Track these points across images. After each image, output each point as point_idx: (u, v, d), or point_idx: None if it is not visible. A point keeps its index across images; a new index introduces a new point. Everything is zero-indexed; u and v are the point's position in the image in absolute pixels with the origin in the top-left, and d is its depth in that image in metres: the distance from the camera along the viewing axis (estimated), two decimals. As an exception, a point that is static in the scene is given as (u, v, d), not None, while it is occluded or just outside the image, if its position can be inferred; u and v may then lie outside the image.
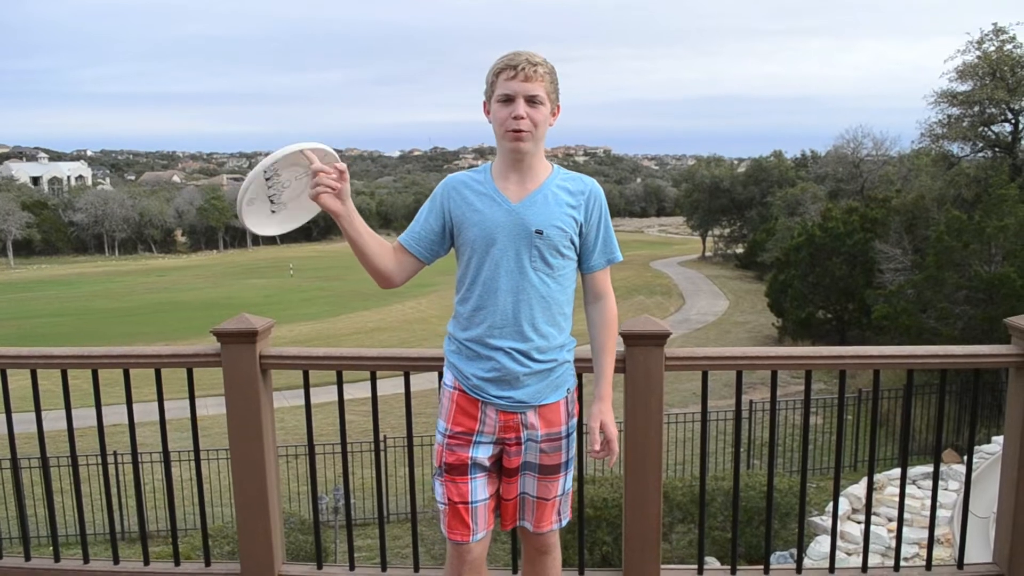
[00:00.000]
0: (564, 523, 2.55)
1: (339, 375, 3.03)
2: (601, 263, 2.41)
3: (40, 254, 76.21)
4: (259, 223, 2.34)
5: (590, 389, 2.49)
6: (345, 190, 2.23)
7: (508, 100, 2.23)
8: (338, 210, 2.23)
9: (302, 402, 3.07)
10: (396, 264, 2.38)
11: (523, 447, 2.38)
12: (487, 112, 2.32)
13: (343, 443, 3.11)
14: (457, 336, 2.40)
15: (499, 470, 2.45)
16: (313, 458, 3.15)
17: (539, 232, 2.28)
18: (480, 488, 2.37)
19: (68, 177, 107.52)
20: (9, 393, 3.10)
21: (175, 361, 3.02)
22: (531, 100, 2.23)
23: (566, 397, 2.42)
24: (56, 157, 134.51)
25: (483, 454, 2.37)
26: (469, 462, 2.36)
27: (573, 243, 2.34)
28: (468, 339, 2.35)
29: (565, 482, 2.48)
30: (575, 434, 2.49)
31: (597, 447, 2.38)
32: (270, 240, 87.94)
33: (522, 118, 2.22)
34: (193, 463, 3.19)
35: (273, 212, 2.34)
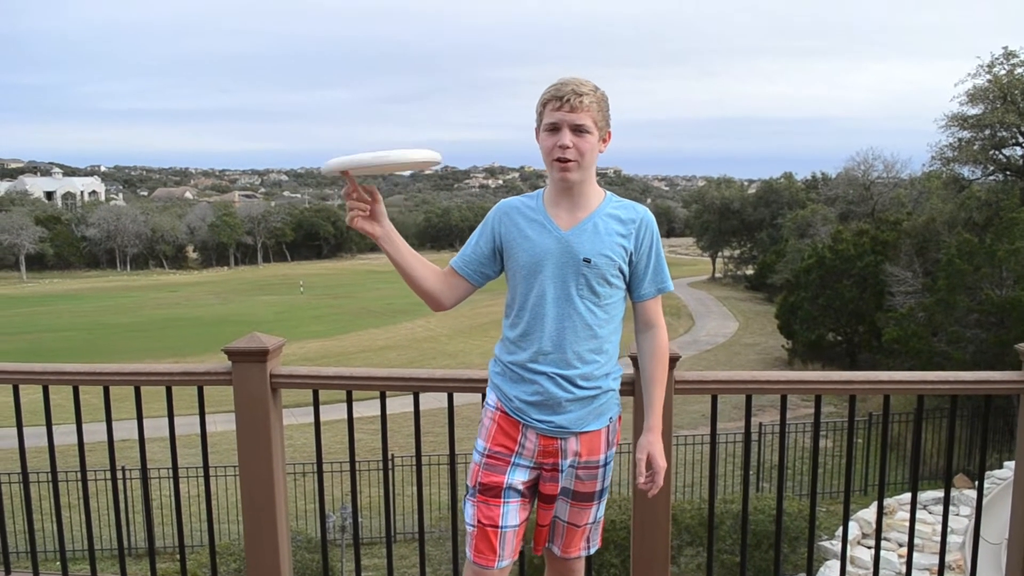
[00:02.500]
0: (592, 551, 2.54)
1: (349, 395, 3.03)
2: (651, 292, 2.39)
3: (52, 268, 76.68)
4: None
5: (627, 415, 2.48)
6: (379, 211, 2.25)
7: (554, 129, 2.24)
8: (375, 232, 2.26)
9: (311, 419, 3.07)
10: (447, 287, 2.39)
11: (560, 474, 2.37)
12: (538, 140, 2.33)
13: (352, 462, 3.11)
14: (503, 359, 2.39)
15: (534, 496, 2.43)
16: (321, 477, 3.15)
17: (587, 260, 2.27)
18: (512, 514, 2.35)
19: (81, 192, 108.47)
20: (21, 407, 3.12)
21: (186, 379, 3.03)
22: (577, 129, 2.22)
23: (608, 426, 2.41)
24: (70, 172, 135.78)
25: (519, 477, 2.35)
26: (504, 485, 2.34)
27: (622, 272, 2.33)
28: (513, 363, 2.35)
29: (598, 510, 2.47)
30: (612, 464, 2.47)
31: (642, 480, 2.37)
32: (280, 257, 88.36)
33: (568, 147, 2.22)
34: (202, 479, 3.20)
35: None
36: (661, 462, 2.36)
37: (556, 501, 2.42)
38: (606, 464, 2.42)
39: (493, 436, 2.38)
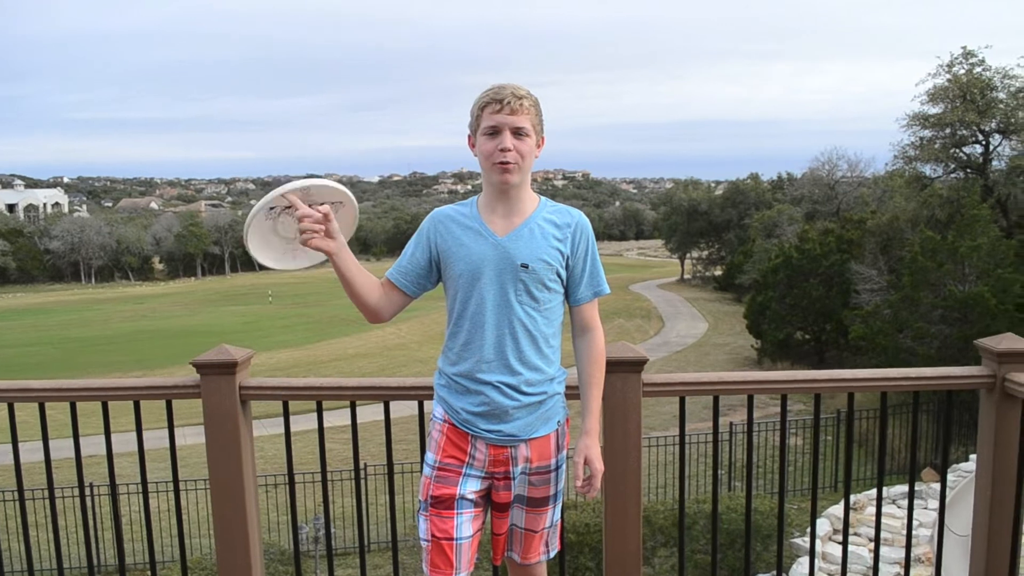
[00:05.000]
0: (552, 554, 2.55)
1: (319, 405, 3.02)
2: (588, 296, 2.41)
3: (15, 282, 75.46)
4: (269, 256, 2.37)
5: (578, 420, 2.48)
6: (333, 228, 2.23)
7: (494, 133, 2.25)
8: (331, 249, 2.24)
9: (282, 430, 3.06)
10: (384, 299, 2.38)
11: (513, 482, 2.38)
12: (472, 145, 2.33)
13: (323, 473, 3.10)
14: (446, 371, 2.39)
15: (487, 505, 2.43)
16: (293, 488, 3.14)
17: (524, 266, 2.28)
18: (465, 525, 2.34)
19: (44, 204, 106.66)
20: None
21: (154, 393, 3.01)
22: (517, 132, 2.24)
23: (557, 430, 2.42)
24: (32, 184, 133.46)
25: (471, 487, 2.35)
26: (456, 495, 2.34)
27: (559, 276, 2.34)
28: (457, 374, 2.34)
29: (554, 514, 2.48)
30: (564, 467, 2.48)
31: (580, 482, 2.37)
32: (248, 266, 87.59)
33: (509, 150, 2.23)
34: (172, 494, 3.17)
35: (287, 247, 2.36)
36: (598, 465, 2.37)
37: (511, 509, 2.43)
38: (558, 468, 2.43)
39: (443, 448, 2.37)
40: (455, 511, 2.33)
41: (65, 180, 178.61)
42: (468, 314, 2.32)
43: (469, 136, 2.34)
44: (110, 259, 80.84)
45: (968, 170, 25.50)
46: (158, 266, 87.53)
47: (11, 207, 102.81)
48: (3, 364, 34.42)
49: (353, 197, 2.35)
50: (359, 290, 2.32)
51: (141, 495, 3.14)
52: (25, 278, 76.77)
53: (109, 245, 79.75)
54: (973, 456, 9.92)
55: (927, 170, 26.44)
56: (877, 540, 3.08)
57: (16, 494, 3.15)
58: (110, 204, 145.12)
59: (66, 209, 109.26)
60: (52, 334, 45.10)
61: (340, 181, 2.41)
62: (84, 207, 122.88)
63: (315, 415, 3.03)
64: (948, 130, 24.94)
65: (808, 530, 9.44)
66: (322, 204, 2.24)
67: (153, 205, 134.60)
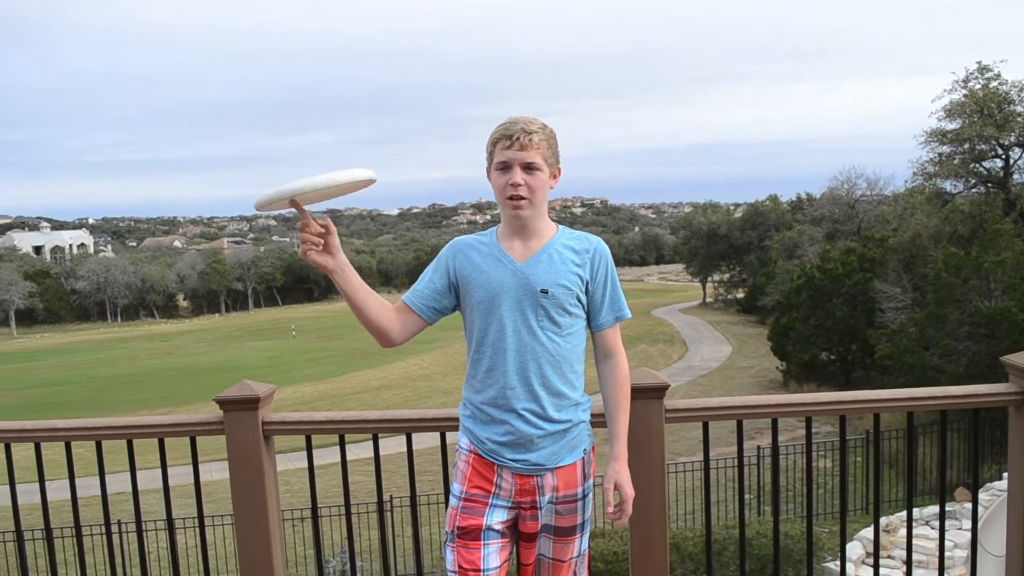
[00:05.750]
0: None
1: (342, 439, 3.03)
2: (609, 320, 2.40)
3: (43, 323, 76.38)
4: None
5: (604, 447, 2.46)
6: (333, 244, 2.22)
7: (505, 168, 2.26)
8: (328, 265, 2.22)
9: (306, 464, 3.07)
10: (397, 322, 2.36)
11: (540, 511, 2.36)
12: (489, 178, 2.35)
13: (347, 506, 3.10)
14: (472, 400, 2.38)
15: (514, 535, 2.42)
16: (317, 522, 3.14)
17: (544, 291, 2.28)
18: (492, 556, 2.32)
19: (70, 245, 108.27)
20: (13, 464, 3.11)
21: (178, 430, 3.03)
22: (527, 168, 2.25)
23: (583, 458, 2.40)
24: (58, 226, 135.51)
25: (498, 518, 2.34)
26: (483, 526, 2.32)
27: (580, 301, 2.34)
28: (482, 402, 2.34)
29: (581, 543, 2.46)
30: (591, 495, 2.46)
31: (611, 509, 2.35)
32: (272, 302, 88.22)
33: (520, 185, 2.25)
34: (198, 530, 3.18)
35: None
36: (629, 491, 2.35)
37: (538, 539, 2.41)
38: (585, 496, 2.41)
39: (469, 479, 2.36)
40: (482, 542, 2.32)
41: (90, 221, 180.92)
42: (489, 341, 2.32)
43: (487, 168, 2.36)
44: (135, 298, 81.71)
45: (989, 184, 25.28)
46: (182, 303, 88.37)
47: (38, 249, 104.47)
48: (32, 404, 34.75)
49: (360, 172, 2.19)
50: (365, 309, 2.30)
51: (167, 531, 3.16)
52: (52, 318, 77.69)
53: (134, 284, 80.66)
54: (1006, 474, 9.75)
55: (947, 186, 26.23)
56: (909, 563, 3.03)
57: (44, 532, 3.17)
58: (134, 243, 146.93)
59: (91, 250, 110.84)
60: (79, 373, 45.54)
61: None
62: (109, 247, 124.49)
63: (338, 448, 3.04)
64: (967, 145, 24.76)
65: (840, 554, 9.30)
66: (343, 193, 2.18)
67: (176, 243, 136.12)
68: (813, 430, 3.09)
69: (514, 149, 2.24)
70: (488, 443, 2.33)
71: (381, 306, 2.34)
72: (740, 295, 58.24)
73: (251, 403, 2.90)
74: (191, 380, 39.54)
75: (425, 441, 3.12)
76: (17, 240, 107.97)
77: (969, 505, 9.46)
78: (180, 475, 3.44)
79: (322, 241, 2.20)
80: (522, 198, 2.26)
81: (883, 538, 9.43)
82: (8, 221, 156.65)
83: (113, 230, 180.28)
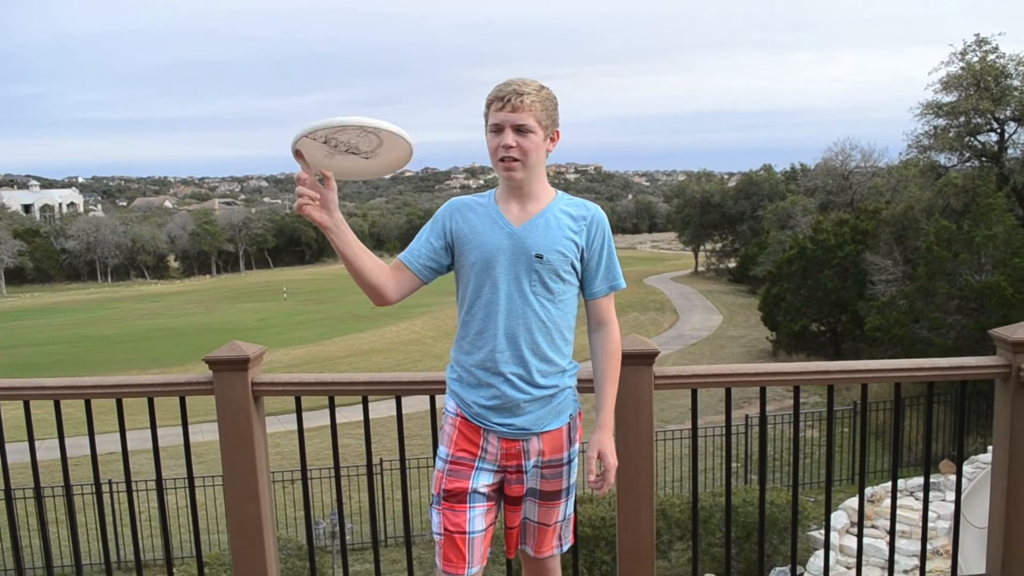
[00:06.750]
0: (565, 548, 2.55)
1: (331, 400, 3.04)
2: (603, 289, 2.40)
3: (32, 282, 76.01)
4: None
5: (591, 414, 2.47)
6: (330, 199, 2.19)
7: (498, 130, 2.24)
8: (324, 222, 2.19)
9: (296, 426, 3.07)
10: (392, 281, 2.34)
11: (525, 475, 2.38)
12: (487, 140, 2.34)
13: (336, 468, 3.11)
14: (460, 362, 2.38)
15: (500, 499, 2.43)
16: (307, 483, 3.15)
17: (539, 256, 2.27)
18: (478, 518, 2.34)
19: (60, 204, 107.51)
20: (2, 424, 3.10)
21: (168, 390, 3.03)
22: (519, 129, 2.22)
23: (568, 423, 2.41)
24: (47, 185, 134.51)
25: (484, 481, 2.35)
26: (469, 489, 2.34)
27: (574, 268, 2.33)
28: (471, 364, 2.34)
29: (566, 508, 2.48)
30: (576, 460, 2.48)
31: (592, 478, 2.36)
32: (263, 264, 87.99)
33: (511, 147, 2.23)
34: (188, 490, 3.19)
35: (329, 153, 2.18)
36: (612, 461, 2.35)
37: (524, 502, 2.43)
38: (570, 461, 2.43)
39: (455, 442, 2.37)
40: (467, 505, 2.33)
41: (80, 180, 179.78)
42: (481, 303, 2.31)
43: (485, 130, 2.34)
44: (125, 258, 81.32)
45: (983, 158, 25.27)
46: (173, 264, 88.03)
47: (27, 207, 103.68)
48: (20, 363, 34.73)
49: (404, 135, 2.14)
50: (362, 268, 2.28)
51: (157, 492, 3.17)
52: (42, 277, 77.33)
53: (124, 244, 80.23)
54: (991, 447, 9.86)
55: (942, 159, 26.22)
56: (892, 532, 3.07)
57: (34, 491, 3.18)
58: (124, 203, 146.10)
59: (81, 209, 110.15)
60: (69, 333, 45.44)
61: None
62: (99, 206, 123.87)
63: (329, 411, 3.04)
64: (962, 118, 24.71)
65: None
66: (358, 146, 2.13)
67: (167, 204, 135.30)
68: (801, 400, 3.10)
69: (506, 111, 2.22)
70: (475, 407, 2.33)
71: (376, 264, 2.32)
72: (732, 264, 58.36)
73: (240, 363, 2.90)
74: (182, 341, 39.52)
75: (414, 405, 3.13)
76: (6, 198, 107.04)
77: (953, 477, 9.56)
78: (170, 435, 3.45)
79: (319, 196, 2.18)
80: (514, 159, 2.24)
81: (867, 508, 9.53)
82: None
83: (103, 189, 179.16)
